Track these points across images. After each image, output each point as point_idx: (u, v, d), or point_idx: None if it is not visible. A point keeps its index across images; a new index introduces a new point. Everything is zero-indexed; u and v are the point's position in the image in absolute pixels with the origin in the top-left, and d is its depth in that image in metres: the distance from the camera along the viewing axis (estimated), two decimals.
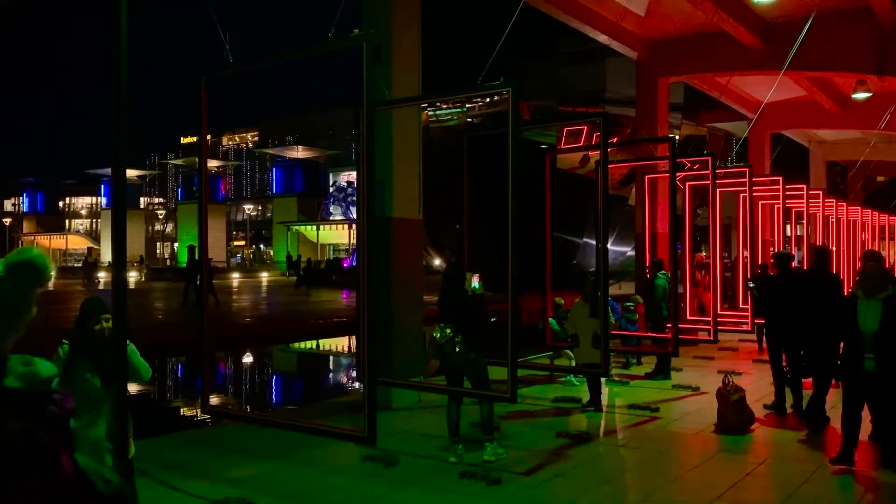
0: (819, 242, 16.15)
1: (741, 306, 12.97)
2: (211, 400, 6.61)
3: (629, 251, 24.86)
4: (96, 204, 74.96)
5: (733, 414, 7.19)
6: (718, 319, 10.68)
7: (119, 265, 3.67)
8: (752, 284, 10.20)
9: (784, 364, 8.02)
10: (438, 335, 6.24)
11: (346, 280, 31.53)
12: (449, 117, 49.80)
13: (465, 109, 49.45)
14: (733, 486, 5.56)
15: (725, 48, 15.59)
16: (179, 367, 15.63)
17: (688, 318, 11.98)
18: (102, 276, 36.95)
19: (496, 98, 31.77)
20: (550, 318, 9.79)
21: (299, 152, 64.07)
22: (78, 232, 76.00)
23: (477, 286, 6.63)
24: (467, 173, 9.23)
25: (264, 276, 47.02)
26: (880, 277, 5.86)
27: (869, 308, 5.69)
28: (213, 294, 21.04)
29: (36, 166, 79.69)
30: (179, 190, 68.52)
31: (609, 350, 7.98)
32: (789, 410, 7.88)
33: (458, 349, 6.17)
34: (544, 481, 5.79)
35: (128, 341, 3.97)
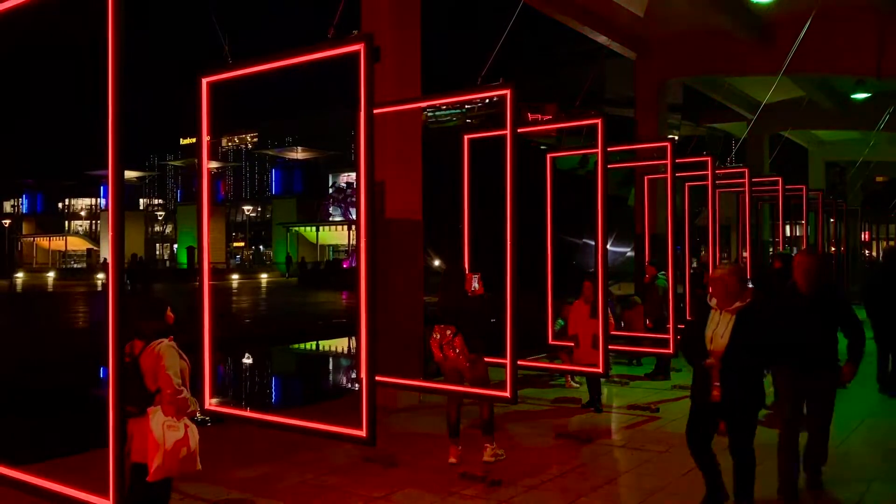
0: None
1: None
2: (211, 401, 6.60)
3: (629, 252, 24.89)
4: (96, 205, 74.97)
5: None
6: None
7: (118, 267, 3.67)
8: (750, 285, 10.19)
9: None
10: (438, 336, 6.25)
11: (345, 281, 31.55)
12: (448, 118, 49.86)
13: (464, 110, 49.50)
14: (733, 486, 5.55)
15: (724, 49, 15.61)
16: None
17: (688, 318, 11.97)
18: (102, 277, 37.00)
19: (495, 99, 31.78)
20: (559, 319, 9.76)
21: (299, 153, 64.11)
22: (77, 233, 75.98)
23: (476, 286, 6.62)
24: (467, 174, 9.22)
25: (264, 278, 47.03)
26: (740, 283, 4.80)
27: (721, 320, 4.72)
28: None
29: (35, 167, 79.40)
30: (178, 191, 68.53)
31: (609, 351, 7.97)
32: None
33: (457, 349, 6.17)
34: (544, 482, 5.79)
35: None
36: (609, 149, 7.65)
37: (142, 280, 20.86)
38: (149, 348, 4.09)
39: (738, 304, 4.65)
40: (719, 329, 4.66)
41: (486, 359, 6.37)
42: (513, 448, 6.60)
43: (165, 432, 3.98)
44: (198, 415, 4.54)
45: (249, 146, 76.38)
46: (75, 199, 79.06)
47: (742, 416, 4.63)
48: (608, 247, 8.94)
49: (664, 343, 9.15)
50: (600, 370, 7.32)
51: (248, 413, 10.18)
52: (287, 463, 6.33)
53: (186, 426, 4.11)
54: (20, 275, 46.37)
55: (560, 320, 9.77)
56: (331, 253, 56.79)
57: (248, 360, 16.75)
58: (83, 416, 10.41)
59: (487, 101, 40.82)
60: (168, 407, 4.04)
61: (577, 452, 6.64)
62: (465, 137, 8.19)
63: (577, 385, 9.59)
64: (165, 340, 4.12)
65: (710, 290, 4.81)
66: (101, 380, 13.22)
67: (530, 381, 9.85)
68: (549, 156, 9.29)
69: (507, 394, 5.76)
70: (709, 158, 10.53)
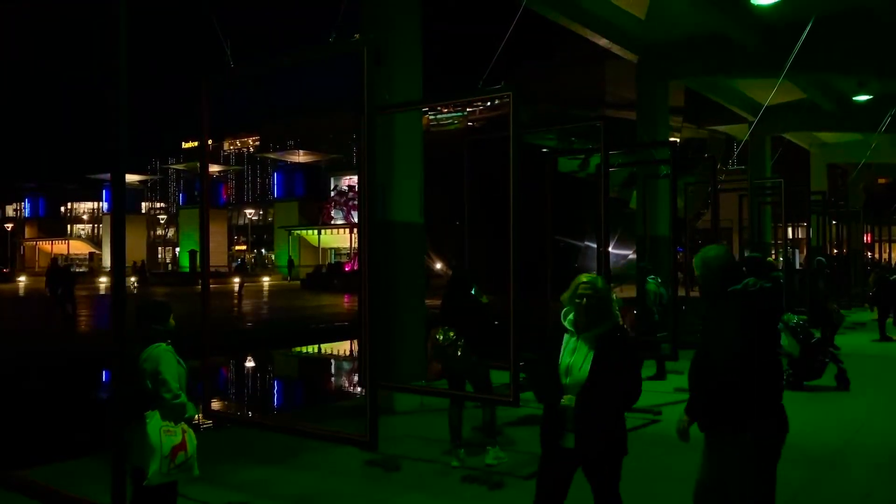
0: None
1: None
2: (212, 404, 6.61)
3: (630, 254, 24.87)
4: (98, 209, 75.03)
5: None
6: None
7: (118, 270, 3.67)
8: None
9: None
10: (441, 338, 6.24)
11: (347, 284, 31.55)
12: (450, 121, 49.88)
13: (465, 113, 49.50)
14: None
15: (726, 51, 15.61)
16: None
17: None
18: (104, 281, 37.02)
19: (497, 102, 31.82)
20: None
21: (300, 156, 64.09)
22: (80, 237, 76.05)
23: (473, 291, 6.61)
24: (468, 177, 9.24)
25: (266, 281, 47.06)
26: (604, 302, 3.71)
27: (579, 344, 3.70)
28: (72, 302, 20.99)
29: (37, 171, 79.48)
30: (181, 195, 68.58)
31: None
32: None
33: (460, 352, 6.16)
34: None
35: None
36: (610, 151, 7.65)
37: (63, 285, 20.80)
38: (147, 351, 4.08)
39: (606, 325, 3.66)
40: (577, 358, 3.67)
41: (488, 361, 6.36)
42: (515, 451, 6.59)
43: (163, 437, 3.95)
44: (199, 419, 4.53)
45: (251, 149, 76.42)
46: (77, 203, 79.14)
47: (605, 467, 3.69)
48: (610, 249, 8.94)
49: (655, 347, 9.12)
50: None
51: (249, 416, 10.17)
52: (288, 466, 6.33)
53: (184, 431, 4.07)
54: (23, 278, 46.45)
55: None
56: (333, 256, 56.78)
57: (249, 364, 16.75)
58: (83, 419, 10.43)
59: (489, 103, 40.81)
60: (165, 411, 4.02)
61: None
62: (467, 141, 8.19)
63: None
64: (163, 344, 4.11)
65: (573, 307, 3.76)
66: (103, 383, 13.22)
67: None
68: (549, 159, 9.29)
69: (510, 397, 5.76)
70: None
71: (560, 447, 3.69)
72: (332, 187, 61.28)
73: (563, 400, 3.62)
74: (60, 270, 22.21)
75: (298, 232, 57.33)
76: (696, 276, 3.92)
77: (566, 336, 3.73)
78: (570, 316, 3.73)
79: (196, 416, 4.31)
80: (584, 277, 3.73)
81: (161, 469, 3.93)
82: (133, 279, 40.10)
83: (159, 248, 73.08)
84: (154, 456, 3.93)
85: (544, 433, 3.80)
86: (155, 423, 3.98)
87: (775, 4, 13.00)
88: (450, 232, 21.88)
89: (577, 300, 3.68)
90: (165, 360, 4.04)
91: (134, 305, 4.20)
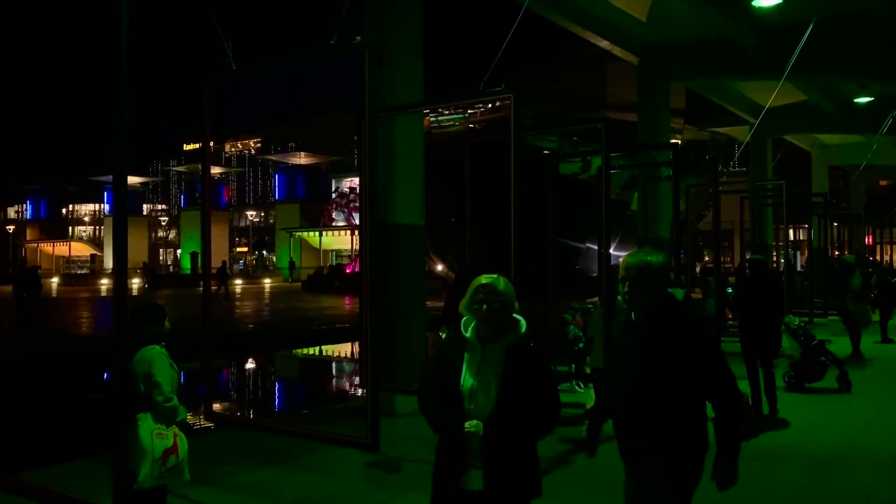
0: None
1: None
2: (213, 406, 6.61)
3: None
4: (99, 211, 75.11)
5: None
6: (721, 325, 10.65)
7: (120, 272, 3.68)
8: (729, 290, 10.09)
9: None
10: (445, 336, 6.23)
11: (348, 286, 31.55)
12: (451, 123, 49.88)
13: (466, 115, 49.51)
14: (734, 492, 5.53)
15: (726, 53, 15.62)
16: (182, 373, 15.62)
17: None
18: (105, 283, 37.02)
19: (498, 104, 31.84)
20: (570, 326, 9.73)
21: (302, 158, 64.15)
22: (81, 239, 76.14)
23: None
24: (469, 179, 9.25)
25: (267, 283, 47.07)
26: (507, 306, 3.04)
27: (484, 359, 2.99)
28: (36, 306, 20.71)
29: (38, 173, 79.61)
30: (182, 196, 68.65)
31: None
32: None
33: None
34: (547, 488, 5.74)
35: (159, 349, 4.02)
36: (612, 153, 7.66)
37: (28, 289, 20.60)
38: (140, 354, 4.05)
39: (515, 335, 3.01)
40: (483, 376, 2.97)
41: None
42: None
43: (154, 440, 3.92)
44: (197, 421, 4.53)
45: (252, 151, 76.53)
46: (79, 205, 79.24)
47: None
48: (611, 251, 8.94)
49: None
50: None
51: (250, 418, 10.17)
52: (289, 468, 6.32)
53: (176, 435, 4.03)
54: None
55: (572, 327, 9.75)
56: (334, 258, 56.81)
57: (250, 365, 16.75)
58: (81, 421, 10.43)
59: (490, 105, 40.83)
60: (157, 414, 3.99)
61: (580, 458, 6.62)
62: (468, 142, 8.19)
63: (581, 389, 9.57)
64: (157, 347, 4.08)
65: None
66: (101, 385, 13.22)
67: None
68: (550, 161, 9.30)
69: None
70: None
71: (459, 490, 3.05)
72: (333, 189, 61.33)
73: (466, 426, 2.91)
74: (28, 274, 21.86)
75: (299, 234, 57.36)
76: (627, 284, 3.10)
77: (467, 353, 3.02)
78: (472, 326, 3.05)
79: (189, 418, 4.28)
80: (483, 279, 3.08)
81: (152, 472, 3.90)
82: (135, 281, 40.15)
83: (161, 250, 73.13)
84: (145, 459, 3.89)
85: (438, 472, 3.15)
86: (147, 425, 3.94)
87: (776, 6, 13.01)
88: (451, 233, 21.88)
89: (476, 306, 3.00)
90: (158, 362, 4.01)
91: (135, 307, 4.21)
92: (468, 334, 3.03)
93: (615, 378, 3.21)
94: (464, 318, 3.07)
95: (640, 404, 3.06)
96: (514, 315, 3.05)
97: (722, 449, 3.04)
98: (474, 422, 2.92)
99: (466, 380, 2.99)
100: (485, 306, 2.98)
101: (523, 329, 3.03)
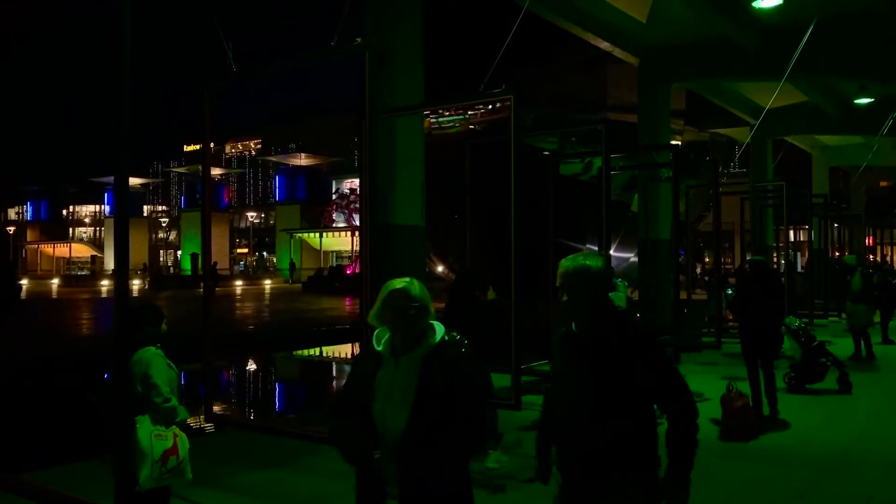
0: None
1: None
2: (214, 407, 6.61)
3: (632, 257, 24.87)
4: (100, 212, 75.15)
5: (737, 421, 7.17)
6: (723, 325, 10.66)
7: (121, 273, 3.68)
8: (730, 291, 10.07)
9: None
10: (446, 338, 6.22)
11: (348, 287, 31.55)
12: (451, 124, 49.88)
13: (466, 116, 49.51)
14: (735, 493, 5.54)
15: (727, 54, 15.62)
16: (182, 374, 15.63)
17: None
18: (106, 284, 37.04)
19: (498, 105, 31.86)
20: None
21: (302, 160, 64.18)
22: (81, 240, 76.16)
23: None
24: (469, 180, 9.26)
25: (267, 284, 47.10)
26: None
27: (398, 373, 2.72)
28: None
29: (39, 174, 79.71)
30: (182, 198, 68.70)
31: None
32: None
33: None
34: (548, 489, 5.76)
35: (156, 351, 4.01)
36: (612, 154, 7.67)
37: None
38: (137, 355, 4.05)
39: (430, 342, 2.74)
40: (396, 392, 2.68)
41: (489, 364, 6.36)
42: (516, 454, 6.58)
43: (153, 441, 3.91)
44: (198, 422, 4.53)
45: (253, 153, 76.53)
46: (79, 206, 79.27)
47: None
48: (611, 252, 8.95)
49: None
50: None
51: (251, 420, 10.19)
52: (291, 469, 6.32)
53: (175, 435, 4.02)
54: (24, 281, 46.53)
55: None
56: (334, 259, 56.82)
57: (250, 366, 16.75)
58: (81, 421, 10.43)
59: (490, 106, 40.84)
60: (156, 415, 3.98)
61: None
62: (468, 144, 8.20)
63: None
64: (153, 348, 4.07)
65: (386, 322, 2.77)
66: (99, 386, 13.23)
67: (534, 388, 9.82)
68: (550, 162, 9.31)
69: (511, 400, 5.76)
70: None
71: None
72: (333, 190, 61.35)
73: (376, 454, 2.67)
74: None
75: (300, 235, 57.39)
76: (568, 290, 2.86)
77: (381, 369, 2.74)
78: (385, 339, 2.76)
79: (190, 420, 4.28)
80: (396, 283, 2.76)
81: (152, 474, 3.89)
82: (135, 282, 40.16)
83: (161, 252, 73.16)
84: (145, 461, 3.88)
85: (359, 498, 2.84)
86: (146, 427, 3.94)
87: (776, 7, 13.02)
88: (451, 234, 21.89)
89: (388, 312, 2.71)
90: (156, 363, 4.01)
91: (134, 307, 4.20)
92: (380, 347, 2.74)
93: (556, 394, 2.88)
94: (376, 331, 2.77)
95: (582, 419, 2.72)
96: (431, 322, 2.75)
97: (671, 461, 2.74)
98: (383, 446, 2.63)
99: (378, 398, 2.69)
100: (398, 313, 2.69)
101: (439, 335, 2.73)
